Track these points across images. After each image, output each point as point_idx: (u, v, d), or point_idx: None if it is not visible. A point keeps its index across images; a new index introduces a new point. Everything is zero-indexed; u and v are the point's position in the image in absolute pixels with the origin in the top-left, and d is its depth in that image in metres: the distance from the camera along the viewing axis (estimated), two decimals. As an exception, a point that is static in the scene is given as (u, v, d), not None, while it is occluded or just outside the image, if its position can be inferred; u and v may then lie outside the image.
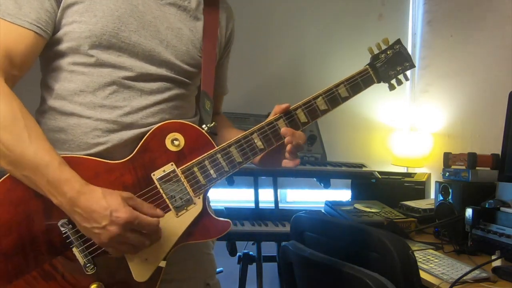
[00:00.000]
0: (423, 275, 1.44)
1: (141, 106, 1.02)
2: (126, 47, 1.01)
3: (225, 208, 2.24)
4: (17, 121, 0.90)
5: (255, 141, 1.06)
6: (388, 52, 1.18)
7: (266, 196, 2.46)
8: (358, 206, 2.26)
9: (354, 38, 2.78)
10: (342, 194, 2.73)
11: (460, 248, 1.75)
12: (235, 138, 1.05)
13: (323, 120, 2.51)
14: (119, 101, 1.01)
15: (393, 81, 1.20)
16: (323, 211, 2.32)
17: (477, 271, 1.45)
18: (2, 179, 0.93)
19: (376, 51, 1.18)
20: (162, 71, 1.05)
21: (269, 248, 2.30)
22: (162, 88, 1.05)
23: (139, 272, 0.97)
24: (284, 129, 1.06)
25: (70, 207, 0.90)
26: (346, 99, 1.12)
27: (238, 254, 2.17)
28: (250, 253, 2.19)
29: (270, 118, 1.08)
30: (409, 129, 2.87)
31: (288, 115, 1.08)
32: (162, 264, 1.00)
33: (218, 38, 1.17)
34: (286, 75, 2.74)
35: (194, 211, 1.02)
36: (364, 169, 2.30)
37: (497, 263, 1.50)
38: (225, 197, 2.70)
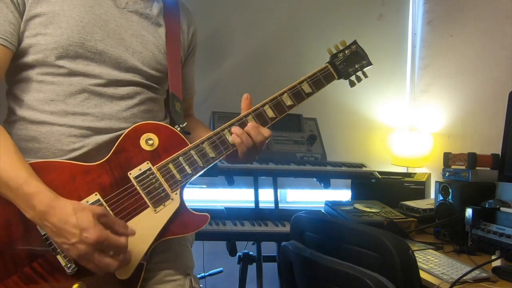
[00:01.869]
0: (423, 275, 1.44)
1: (113, 112, 1.04)
2: (93, 56, 1.02)
3: (225, 208, 2.24)
4: None
5: (227, 137, 1.10)
6: (346, 52, 1.27)
7: (266, 196, 2.46)
8: (358, 206, 2.26)
9: (354, 38, 2.78)
10: (342, 194, 2.73)
11: (460, 248, 1.76)
12: (207, 135, 1.09)
13: (323, 120, 2.54)
14: (91, 107, 1.03)
15: (353, 78, 1.28)
16: (323, 211, 2.31)
17: (477, 271, 1.45)
18: None
19: (334, 51, 1.27)
20: (130, 77, 1.07)
21: (269, 248, 2.30)
22: (132, 93, 1.07)
23: (121, 270, 0.97)
24: (250, 124, 1.09)
25: (40, 220, 0.90)
26: (310, 94, 1.19)
27: (238, 254, 2.17)
28: (250, 253, 2.19)
29: (240, 115, 1.12)
30: (409, 129, 2.87)
31: (256, 111, 1.13)
32: (144, 260, 1.01)
33: (181, 42, 1.20)
34: (284, 76, 2.73)
35: (172, 206, 1.04)
36: (364, 169, 2.30)
37: (497, 263, 1.50)
38: (225, 197, 2.71)
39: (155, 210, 1.03)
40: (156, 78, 1.13)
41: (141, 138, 1.04)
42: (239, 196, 2.69)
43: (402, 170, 2.80)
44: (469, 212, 1.74)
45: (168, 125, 1.09)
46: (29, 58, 1.01)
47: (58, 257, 0.95)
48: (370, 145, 2.88)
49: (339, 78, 1.24)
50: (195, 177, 1.07)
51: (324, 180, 2.25)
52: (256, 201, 2.32)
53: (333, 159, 2.42)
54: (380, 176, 2.30)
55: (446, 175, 2.05)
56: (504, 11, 2.25)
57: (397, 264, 1.24)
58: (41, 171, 0.95)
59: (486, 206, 1.74)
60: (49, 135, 1.01)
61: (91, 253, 0.89)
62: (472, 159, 1.95)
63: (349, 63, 1.26)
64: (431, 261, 1.58)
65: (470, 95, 2.46)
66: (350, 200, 2.49)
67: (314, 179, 2.34)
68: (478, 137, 2.38)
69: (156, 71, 1.12)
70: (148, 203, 1.02)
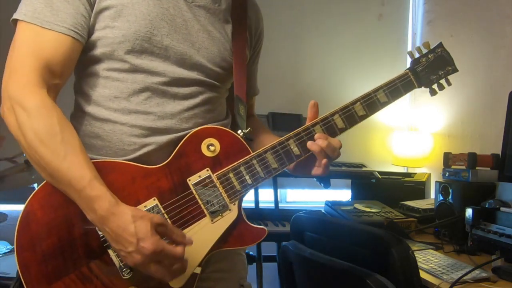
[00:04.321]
0: (423, 275, 1.44)
1: (175, 112, 1.02)
2: (159, 51, 1.00)
3: (225, 208, 2.24)
4: (54, 135, 0.90)
5: (291, 147, 1.04)
6: (430, 56, 1.15)
7: (266, 196, 2.46)
8: (358, 206, 2.26)
9: (354, 38, 2.79)
10: (342, 194, 2.74)
11: (460, 248, 1.75)
12: (271, 144, 1.04)
13: (323, 120, 2.53)
14: (153, 106, 1.00)
15: (435, 86, 1.17)
16: (323, 211, 2.32)
17: (477, 271, 1.44)
18: (43, 183, 0.94)
19: (416, 55, 1.15)
20: (194, 75, 1.04)
21: (269, 248, 2.30)
22: (194, 93, 1.04)
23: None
24: (318, 135, 1.04)
25: (100, 225, 0.90)
26: (385, 104, 1.10)
27: (238, 254, 2.17)
28: (250, 253, 2.19)
29: (307, 123, 1.06)
30: (409, 129, 2.87)
31: (325, 121, 1.07)
32: (197, 270, 0.99)
33: (247, 39, 1.16)
34: (286, 75, 2.74)
35: (229, 217, 1.01)
36: (364, 169, 2.30)
37: (497, 263, 1.50)
38: (225, 197, 2.70)
39: (212, 221, 0.99)
40: (220, 75, 1.09)
41: (203, 143, 1.01)
42: (239, 196, 2.68)
43: (402, 170, 2.80)
44: (469, 212, 1.74)
45: (230, 131, 1.05)
46: (97, 51, 0.99)
47: (114, 259, 0.95)
48: (370, 145, 2.88)
49: (419, 87, 1.14)
50: (255, 187, 1.03)
51: (324, 180, 2.25)
52: (256, 201, 2.32)
53: (333, 159, 2.42)
54: (380, 176, 2.30)
55: (446, 175, 2.05)
56: (504, 11, 2.25)
57: (397, 264, 1.24)
58: (102, 170, 0.94)
59: (486, 206, 1.74)
60: (111, 133, 0.99)
61: (146, 263, 0.88)
62: (472, 159, 1.95)
63: (432, 69, 1.14)
64: (431, 261, 1.58)
65: (470, 95, 2.46)
66: (350, 200, 2.49)
67: (314, 179, 2.34)
68: (478, 137, 2.38)
69: (221, 69, 1.08)
70: (206, 212, 0.99)
